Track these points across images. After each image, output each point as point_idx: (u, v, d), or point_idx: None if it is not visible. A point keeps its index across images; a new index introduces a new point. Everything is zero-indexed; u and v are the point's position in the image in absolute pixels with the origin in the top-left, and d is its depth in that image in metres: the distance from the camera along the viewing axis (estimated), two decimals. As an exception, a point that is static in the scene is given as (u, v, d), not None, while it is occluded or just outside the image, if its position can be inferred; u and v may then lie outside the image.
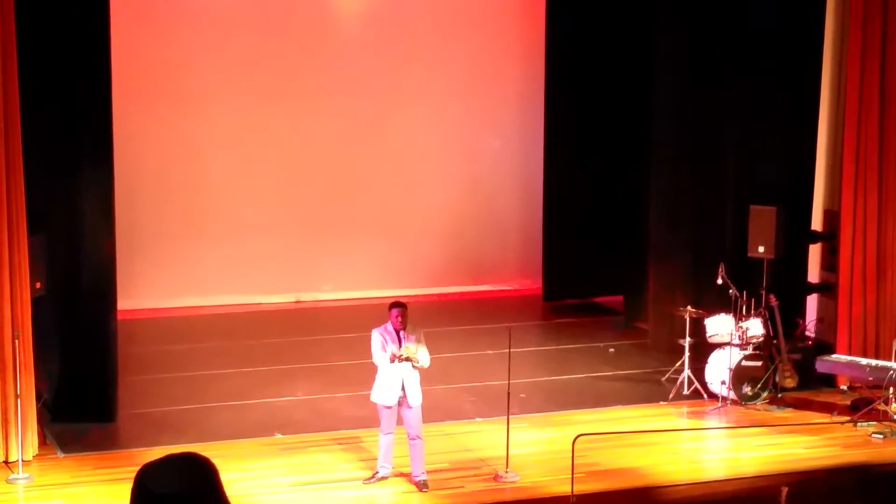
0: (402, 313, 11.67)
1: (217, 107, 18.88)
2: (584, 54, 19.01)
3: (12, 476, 12.00)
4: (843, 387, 15.19)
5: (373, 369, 11.90)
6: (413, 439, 11.82)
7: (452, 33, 20.04)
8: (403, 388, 11.70)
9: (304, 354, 16.35)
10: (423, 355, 11.74)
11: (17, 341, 12.16)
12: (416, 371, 11.76)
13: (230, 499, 3.33)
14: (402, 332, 11.68)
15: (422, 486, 11.81)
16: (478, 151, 20.42)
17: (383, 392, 11.77)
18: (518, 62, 20.28)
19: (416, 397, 11.75)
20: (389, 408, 11.77)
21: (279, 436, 13.30)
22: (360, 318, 16.48)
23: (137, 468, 3.36)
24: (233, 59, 18.87)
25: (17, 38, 12.11)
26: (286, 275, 19.47)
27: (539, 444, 13.16)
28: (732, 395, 14.47)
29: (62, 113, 13.19)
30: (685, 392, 14.76)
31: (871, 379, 14.36)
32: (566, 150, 19.34)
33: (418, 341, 11.72)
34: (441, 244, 20.14)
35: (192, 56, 18.75)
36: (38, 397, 12.89)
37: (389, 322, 11.71)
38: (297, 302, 19.59)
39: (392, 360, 11.60)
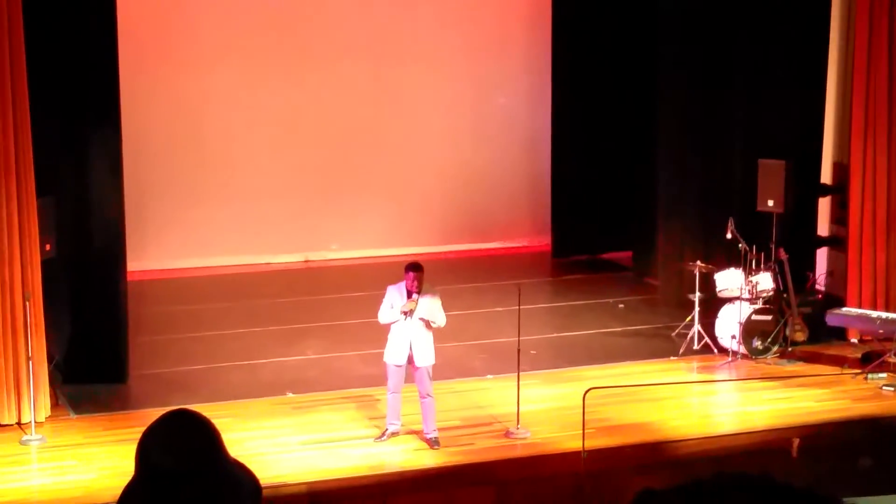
0: (417, 277, 11.65)
1: (223, 67, 18.83)
2: (592, 9, 18.94)
3: (25, 437, 12.06)
4: (854, 340, 15.19)
5: (382, 328, 11.92)
6: (423, 398, 11.86)
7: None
8: (411, 348, 11.72)
9: (313, 313, 16.38)
10: (438, 315, 11.73)
11: (27, 303, 12.20)
12: (429, 332, 11.76)
13: (241, 457, 3.33)
14: (414, 294, 11.69)
15: (433, 444, 11.85)
16: (485, 108, 20.35)
17: (391, 351, 11.81)
18: (525, 17, 20.19)
19: (423, 358, 11.75)
20: (398, 367, 11.80)
21: (290, 395, 13.34)
22: (369, 277, 16.51)
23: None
24: (238, 21, 18.81)
25: (22, 1, 12.08)
26: (295, 234, 19.47)
27: (549, 400, 13.18)
28: (743, 349, 14.47)
29: (69, 76, 13.17)
30: (695, 347, 14.76)
31: (881, 332, 14.36)
32: (574, 106, 19.28)
33: (431, 299, 11.71)
34: (449, 202, 20.12)
35: (198, 18, 18.69)
36: (50, 359, 12.95)
37: (405, 282, 11.73)
38: (306, 261, 19.59)
39: (405, 315, 11.63)
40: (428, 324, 11.72)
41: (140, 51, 17.21)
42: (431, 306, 11.69)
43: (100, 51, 13.23)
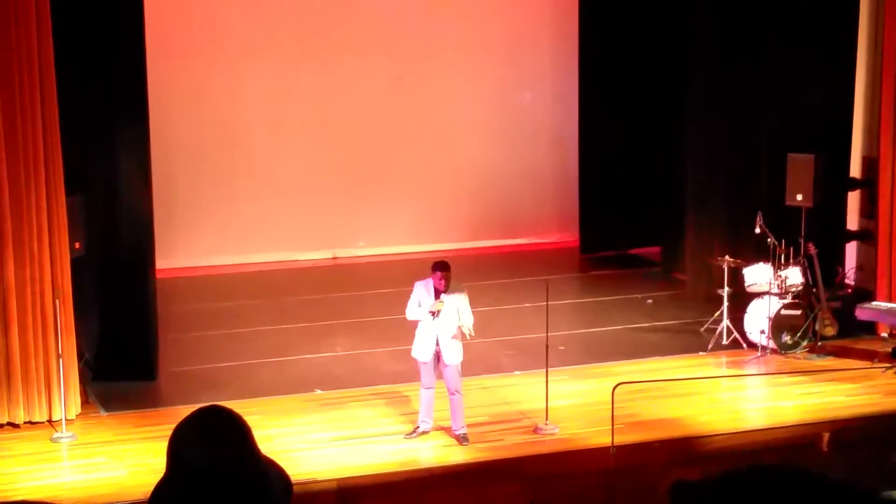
0: (444, 276, 11.63)
1: (251, 66, 18.87)
2: (619, 5, 18.90)
3: (56, 434, 12.12)
4: (884, 334, 15.12)
5: (410, 324, 11.93)
6: (452, 394, 11.85)
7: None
8: (438, 344, 11.72)
9: (342, 310, 16.39)
10: (465, 316, 11.71)
11: (57, 301, 12.26)
12: (457, 330, 11.74)
13: (270, 454, 3.33)
14: (441, 293, 11.67)
15: (462, 440, 11.85)
16: (512, 104, 20.35)
17: (419, 347, 11.80)
18: (551, 13, 20.16)
19: (451, 356, 11.74)
20: (426, 363, 11.80)
21: (319, 391, 13.36)
22: (396, 274, 16.52)
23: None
24: (266, 16, 18.85)
25: (51, 0, 12.12)
26: (322, 231, 19.50)
27: (578, 396, 13.16)
28: (772, 344, 14.42)
29: (97, 74, 13.20)
30: (724, 342, 14.72)
31: (911, 326, 14.29)
32: (601, 100, 19.24)
33: (458, 297, 11.69)
34: (477, 198, 20.12)
35: (225, 14, 18.74)
36: (80, 357, 13.00)
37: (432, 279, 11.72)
38: (334, 258, 19.62)
39: (432, 315, 11.62)
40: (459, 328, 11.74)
41: (168, 48, 17.27)
42: (459, 306, 11.67)
43: (128, 48, 13.26)
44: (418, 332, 11.81)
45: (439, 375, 11.89)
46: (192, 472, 3.13)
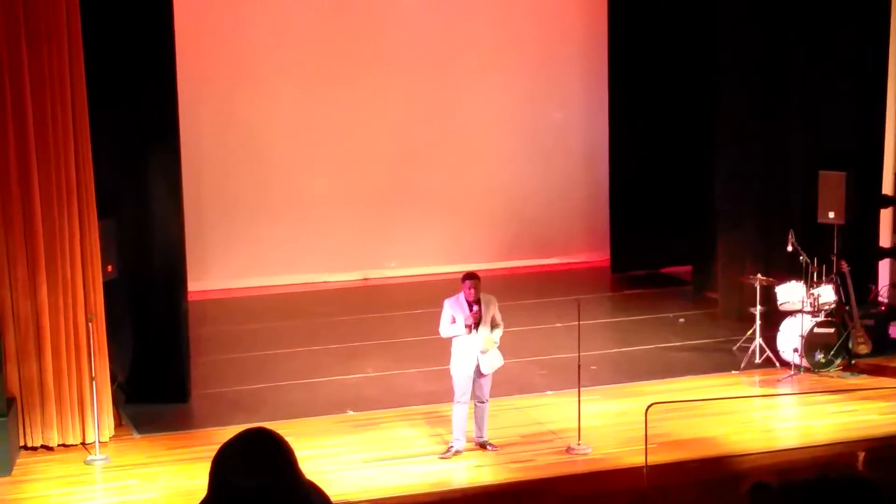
0: (474, 285, 11.68)
1: (281, 87, 18.94)
2: (649, 23, 18.90)
3: (90, 457, 12.16)
4: (918, 352, 15.04)
5: (442, 344, 11.92)
6: (482, 402, 11.89)
7: (516, 5, 19.97)
8: (478, 357, 11.73)
9: (373, 331, 16.40)
10: (495, 333, 11.77)
11: (90, 324, 12.31)
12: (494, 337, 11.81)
13: (305, 475, 3.33)
14: (474, 305, 11.69)
15: (486, 447, 11.87)
16: (542, 124, 20.35)
17: (459, 362, 11.78)
18: (581, 33, 20.17)
19: (490, 365, 11.78)
20: (465, 378, 11.79)
21: (351, 413, 13.36)
22: (427, 294, 16.51)
23: (212, 447, 3.37)
24: (294, 37, 18.93)
25: (82, 24, 12.21)
26: (353, 253, 19.53)
27: (610, 415, 13.12)
28: (805, 362, 14.35)
29: (129, 98, 13.26)
30: (757, 361, 14.65)
31: (946, 343, 14.20)
32: (631, 120, 19.24)
33: (493, 320, 11.72)
34: (508, 218, 20.11)
35: (254, 36, 18.81)
36: (113, 379, 13.05)
37: (462, 293, 11.73)
38: (365, 279, 19.65)
39: (468, 331, 11.64)
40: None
41: (198, 72, 17.34)
42: (494, 314, 11.74)
43: (158, 73, 13.33)
44: (456, 347, 11.80)
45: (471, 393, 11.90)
46: (236, 495, 3.13)
